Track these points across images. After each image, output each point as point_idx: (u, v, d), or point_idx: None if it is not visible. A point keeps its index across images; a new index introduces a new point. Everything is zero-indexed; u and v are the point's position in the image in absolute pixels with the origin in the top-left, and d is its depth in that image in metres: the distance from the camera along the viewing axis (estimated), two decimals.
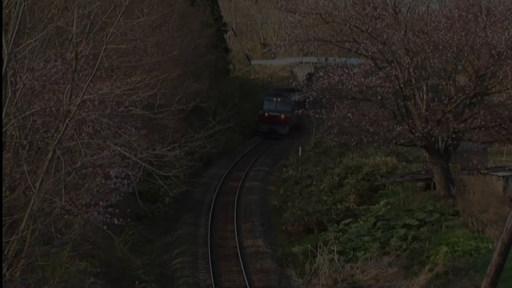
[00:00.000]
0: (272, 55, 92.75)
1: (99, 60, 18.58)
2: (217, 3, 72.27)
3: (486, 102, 31.69)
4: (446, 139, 31.21)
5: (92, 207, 20.52)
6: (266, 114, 65.53)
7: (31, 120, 19.22)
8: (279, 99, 66.47)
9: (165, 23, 37.98)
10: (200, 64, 50.99)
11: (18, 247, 17.16)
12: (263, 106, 66.58)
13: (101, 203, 20.92)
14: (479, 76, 30.28)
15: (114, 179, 21.54)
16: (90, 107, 19.60)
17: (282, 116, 65.59)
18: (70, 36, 21.95)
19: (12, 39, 16.39)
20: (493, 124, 30.54)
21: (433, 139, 31.44)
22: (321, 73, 32.27)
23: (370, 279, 27.19)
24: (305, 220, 36.01)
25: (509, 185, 31.50)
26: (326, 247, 29.27)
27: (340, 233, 32.05)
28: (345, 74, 31.30)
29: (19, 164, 18.31)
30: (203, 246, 32.97)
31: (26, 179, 17.60)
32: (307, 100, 33.32)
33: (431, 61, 30.41)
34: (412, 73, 30.96)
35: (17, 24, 16.60)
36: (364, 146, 42.62)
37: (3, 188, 17.14)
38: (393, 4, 31.37)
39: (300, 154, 49.91)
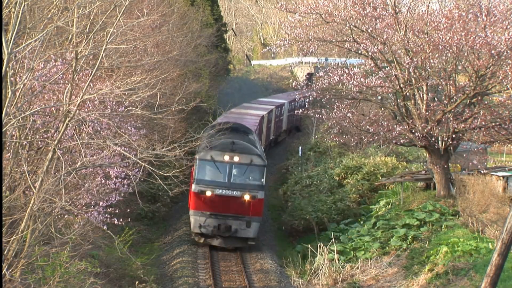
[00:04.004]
0: (272, 55, 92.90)
1: (99, 60, 18.59)
2: (217, 3, 72.27)
3: (486, 102, 31.69)
4: (446, 139, 31.22)
5: (92, 207, 20.55)
6: (209, 194, 31.05)
7: (31, 120, 19.23)
8: (236, 157, 31.35)
9: (165, 23, 37.95)
10: (200, 64, 50.95)
11: (18, 247, 17.17)
12: (199, 172, 31.37)
13: (101, 203, 20.94)
14: (479, 76, 30.29)
15: (114, 179, 21.57)
16: (90, 107, 19.63)
17: (246, 198, 31.27)
18: (70, 36, 21.97)
19: (12, 39, 16.39)
20: (493, 124, 30.55)
21: (433, 139, 31.45)
22: (321, 73, 32.29)
23: (370, 279, 27.19)
24: (305, 220, 35.99)
25: (509, 185, 31.51)
26: (326, 247, 29.26)
27: (340, 233, 32.05)
28: (345, 74, 31.32)
29: (19, 164, 18.32)
30: (203, 246, 32.95)
31: (26, 179, 17.62)
32: (307, 100, 33.36)
33: (431, 61, 30.42)
34: (412, 73, 30.98)
35: (17, 24, 16.60)
36: (364, 146, 42.63)
37: (3, 188, 17.14)
38: (393, 4, 31.37)
39: (300, 154, 49.89)
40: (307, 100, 33.36)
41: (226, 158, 31.34)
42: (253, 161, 31.57)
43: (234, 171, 31.44)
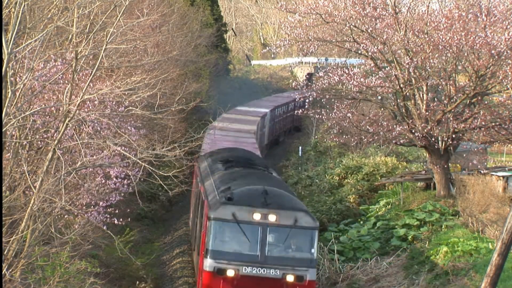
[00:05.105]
0: (272, 55, 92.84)
1: (99, 60, 18.60)
2: (217, 3, 72.39)
3: (486, 102, 31.70)
4: (446, 139, 31.23)
5: (92, 207, 20.56)
6: (232, 274, 20.42)
7: (31, 120, 19.24)
8: (272, 216, 20.75)
9: (165, 23, 37.97)
10: (200, 64, 51.00)
11: (18, 247, 17.17)
12: (214, 240, 20.81)
13: (101, 203, 20.96)
14: (479, 76, 30.30)
15: (114, 179, 21.58)
16: (90, 107, 19.64)
17: (289, 280, 20.65)
18: (70, 36, 21.98)
19: (12, 39, 16.40)
20: (493, 124, 30.57)
21: (433, 139, 31.46)
22: (321, 73, 32.31)
23: (370, 279, 27.17)
24: None
25: (509, 185, 31.52)
26: (326, 247, 29.24)
27: (340, 233, 32.03)
28: (345, 74, 31.33)
29: (19, 164, 18.33)
30: None
31: (26, 179, 17.62)
32: (307, 100, 33.36)
33: (431, 61, 30.43)
34: (412, 73, 30.99)
35: (17, 24, 16.60)
36: (364, 146, 42.64)
37: (3, 188, 17.15)
38: (393, 4, 31.38)
39: (300, 154, 49.88)
40: (307, 100, 33.34)
41: (257, 217, 20.73)
42: (298, 222, 20.82)
43: (269, 238, 20.84)
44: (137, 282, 26.57)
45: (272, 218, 20.75)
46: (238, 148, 31.70)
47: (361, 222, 32.91)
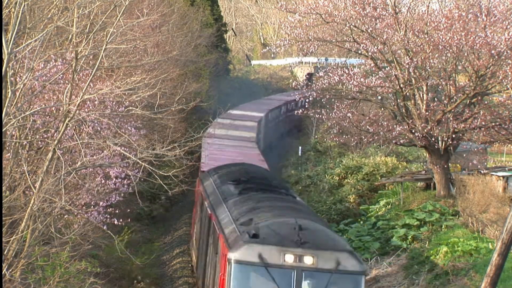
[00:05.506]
0: (272, 55, 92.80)
1: (99, 60, 18.61)
2: (217, 3, 72.39)
3: (486, 102, 31.71)
4: (446, 139, 31.23)
5: (92, 207, 20.56)
6: None
7: (31, 120, 19.25)
8: (309, 258, 16.90)
9: (165, 23, 37.98)
10: (200, 64, 51.01)
11: (18, 247, 17.18)
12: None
13: (101, 203, 20.96)
14: (479, 76, 30.31)
15: (114, 179, 21.58)
16: (90, 107, 19.65)
17: None
18: (70, 36, 21.99)
19: (12, 39, 16.40)
20: (493, 124, 30.57)
21: (433, 139, 31.46)
22: (321, 73, 32.32)
23: (370, 279, 27.17)
24: None
25: (509, 185, 31.52)
26: None
27: (340, 233, 32.02)
28: (345, 74, 31.34)
29: (19, 164, 18.34)
30: None
31: (26, 179, 17.63)
32: (307, 100, 33.36)
33: (431, 61, 30.44)
34: (412, 73, 30.99)
35: (17, 24, 16.61)
36: (364, 146, 42.64)
37: (3, 188, 17.15)
38: (393, 4, 31.39)
39: (300, 154, 49.83)
40: (307, 100, 33.35)
41: (290, 259, 16.95)
42: (341, 265, 17.07)
43: (305, 285, 16.97)
44: (134, 282, 26.58)
45: (308, 260, 16.99)
46: (246, 163, 28.50)
47: (361, 222, 32.90)
